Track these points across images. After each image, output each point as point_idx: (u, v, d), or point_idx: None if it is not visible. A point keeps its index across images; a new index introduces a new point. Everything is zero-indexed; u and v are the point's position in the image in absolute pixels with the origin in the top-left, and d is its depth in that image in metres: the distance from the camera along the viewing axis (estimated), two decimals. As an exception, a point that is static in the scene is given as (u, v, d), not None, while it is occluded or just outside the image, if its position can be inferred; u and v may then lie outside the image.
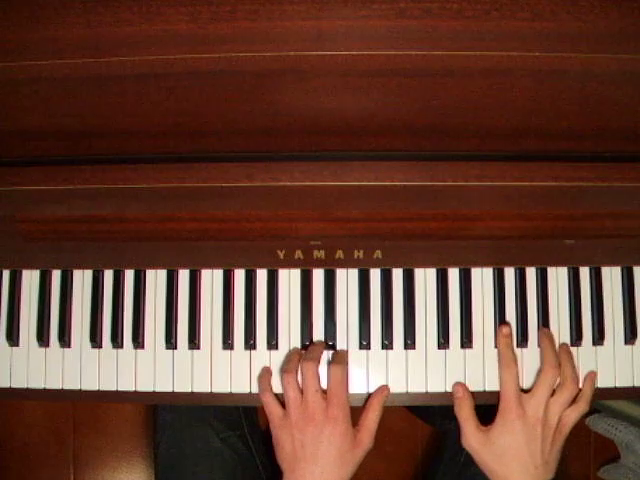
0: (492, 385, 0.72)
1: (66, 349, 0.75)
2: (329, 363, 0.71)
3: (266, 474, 0.85)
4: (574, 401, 0.69)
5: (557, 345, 0.72)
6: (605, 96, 0.61)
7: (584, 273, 0.74)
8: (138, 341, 0.74)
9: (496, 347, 0.72)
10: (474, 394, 0.71)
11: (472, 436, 0.68)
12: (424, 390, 0.73)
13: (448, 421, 0.89)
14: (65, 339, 0.74)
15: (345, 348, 0.73)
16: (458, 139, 0.65)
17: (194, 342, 0.73)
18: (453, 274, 0.74)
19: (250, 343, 0.73)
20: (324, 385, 0.69)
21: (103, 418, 1.33)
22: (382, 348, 0.73)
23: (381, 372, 0.73)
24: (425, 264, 0.74)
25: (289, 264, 0.73)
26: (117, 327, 0.74)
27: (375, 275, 0.74)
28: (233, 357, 0.74)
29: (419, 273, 0.74)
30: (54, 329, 0.75)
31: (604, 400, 1.05)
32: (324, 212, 0.69)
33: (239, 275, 0.75)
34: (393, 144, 0.65)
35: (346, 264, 0.73)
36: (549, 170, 0.65)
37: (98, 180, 0.66)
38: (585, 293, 0.74)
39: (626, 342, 0.73)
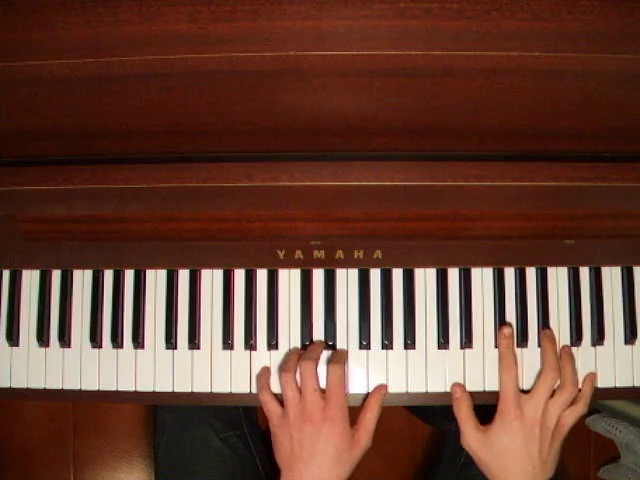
0: (492, 385, 0.72)
1: (66, 349, 0.75)
2: (328, 363, 0.71)
3: (266, 474, 0.85)
4: (573, 402, 0.69)
5: (558, 346, 0.72)
6: (605, 96, 0.61)
7: (584, 273, 0.74)
8: (138, 341, 0.74)
9: (496, 347, 0.73)
10: (474, 394, 0.71)
11: (471, 436, 0.68)
12: (424, 390, 0.73)
13: (448, 421, 0.89)
14: (65, 339, 0.74)
15: (345, 348, 0.73)
16: (458, 139, 0.65)
17: (194, 342, 0.74)
18: (453, 274, 0.74)
19: (250, 343, 0.73)
20: (323, 385, 0.69)
21: (103, 418, 1.33)
22: (382, 348, 0.73)
23: (381, 372, 0.73)
24: (425, 264, 0.74)
25: (289, 264, 0.73)
26: (117, 327, 0.74)
27: (375, 275, 0.74)
28: (233, 357, 0.74)
29: (419, 273, 0.74)
30: (54, 329, 0.75)
31: (604, 400, 1.05)
32: (324, 212, 0.69)
33: (239, 275, 0.75)
34: (393, 144, 0.65)
35: (346, 264, 0.73)
36: (549, 170, 0.65)
37: (98, 180, 0.66)
38: (585, 293, 0.74)
39: (626, 342, 0.73)
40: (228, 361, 0.74)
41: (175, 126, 0.64)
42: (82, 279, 0.75)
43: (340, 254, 0.72)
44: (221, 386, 0.73)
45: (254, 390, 0.73)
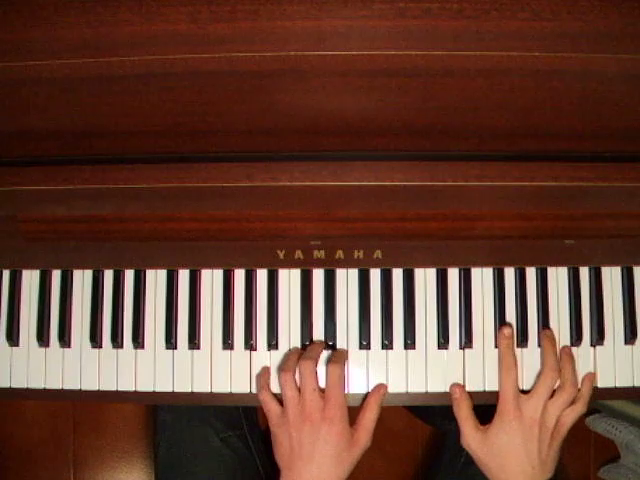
0: (492, 385, 0.72)
1: (66, 349, 0.75)
2: (328, 362, 0.71)
3: (266, 474, 0.85)
4: (572, 402, 0.69)
5: (558, 346, 0.72)
6: (605, 96, 0.61)
7: (584, 273, 0.74)
8: (138, 341, 0.74)
9: (496, 347, 0.72)
10: (474, 394, 0.71)
11: (470, 436, 0.68)
12: (424, 390, 0.73)
13: (448, 421, 0.89)
14: (65, 339, 0.74)
15: (345, 348, 0.73)
16: (458, 139, 0.65)
17: (194, 342, 0.74)
18: (453, 274, 0.74)
19: (250, 343, 0.73)
20: (322, 384, 0.69)
21: (103, 418, 1.33)
22: (382, 348, 0.73)
23: (381, 372, 0.73)
24: (425, 264, 0.74)
25: (289, 264, 0.73)
26: (117, 327, 0.74)
27: (375, 275, 0.74)
28: (233, 357, 0.74)
29: (419, 273, 0.74)
30: (54, 329, 0.75)
31: (604, 400, 1.05)
32: (324, 212, 0.69)
33: (239, 275, 0.75)
34: (393, 144, 0.65)
35: (346, 264, 0.73)
36: (549, 170, 0.65)
37: (98, 180, 0.66)
38: (585, 293, 0.74)
39: (626, 342, 0.73)
40: (228, 361, 0.74)
41: (175, 126, 0.64)
42: (82, 279, 0.75)
43: (340, 254, 0.72)
44: (221, 386, 0.73)
45: (254, 390, 0.73)
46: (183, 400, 0.74)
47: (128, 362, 0.74)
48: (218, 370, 0.73)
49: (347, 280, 0.74)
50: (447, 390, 0.72)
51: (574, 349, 0.72)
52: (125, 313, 0.75)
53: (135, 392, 0.74)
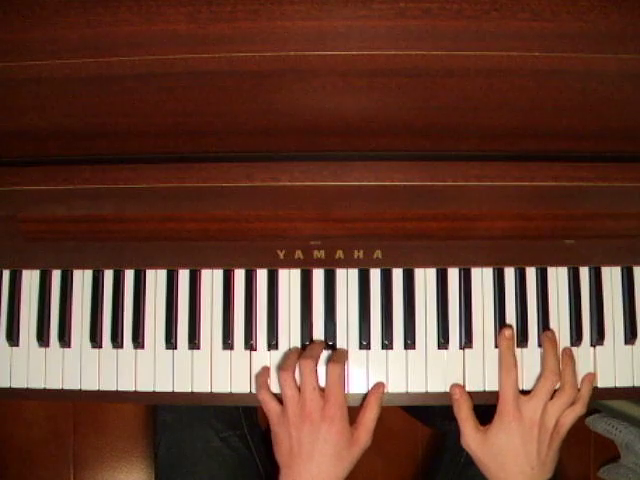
0: (492, 385, 0.72)
1: (66, 349, 0.75)
2: (328, 362, 0.71)
3: (266, 474, 0.85)
4: (572, 403, 0.69)
5: (559, 347, 0.72)
6: (605, 96, 0.61)
7: (584, 273, 0.74)
8: (138, 341, 0.74)
9: (496, 347, 0.72)
10: (474, 394, 0.71)
11: (470, 436, 0.68)
12: (424, 390, 0.73)
13: (448, 422, 0.89)
14: (65, 339, 0.74)
15: (345, 348, 0.73)
16: (458, 139, 0.65)
17: (194, 342, 0.74)
18: (453, 274, 0.74)
19: (250, 343, 0.73)
20: (322, 384, 0.69)
21: (103, 418, 1.33)
22: (382, 348, 0.73)
23: (381, 372, 0.73)
24: (425, 264, 0.74)
25: (289, 264, 0.73)
26: (117, 327, 0.74)
27: (375, 275, 0.74)
28: (233, 357, 0.74)
29: (419, 273, 0.74)
30: (54, 329, 0.75)
31: (604, 400, 1.05)
32: (324, 212, 0.69)
33: (239, 275, 0.75)
34: (393, 144, 0.65)
35: (346, 264, 0.73)
36: (549, 170, 0.65)
37: (98, 180, 0.66)
38: (585, 293, 0.74)
39: (626, 342, 0.73)
40: (228, 361, 0.74)
41: (175, 126, 0.64)
42: (82, 279, 0.75)
43: (340, 254, 0.72)
44: (221, 386, 0.73)
45: (254, 390, 0.73)
46: (183, 400, 0.74)
47: (128, 362, 0.74)
48: (218, 370, 0.73)
49: (347, 280, 0.74)
50: (447, 390, 0.72)
51: (574, 349, 0.72)
52: (125, 313, 0.75)
53: (135, 392, 0.74)
